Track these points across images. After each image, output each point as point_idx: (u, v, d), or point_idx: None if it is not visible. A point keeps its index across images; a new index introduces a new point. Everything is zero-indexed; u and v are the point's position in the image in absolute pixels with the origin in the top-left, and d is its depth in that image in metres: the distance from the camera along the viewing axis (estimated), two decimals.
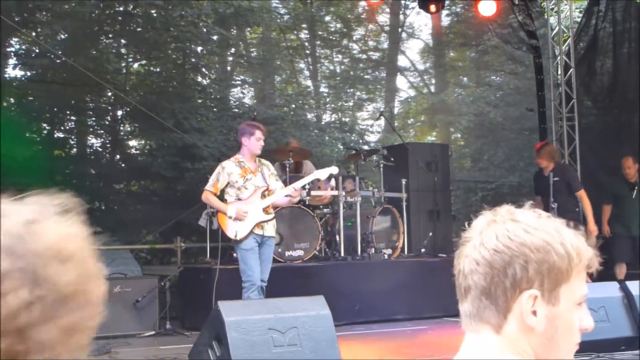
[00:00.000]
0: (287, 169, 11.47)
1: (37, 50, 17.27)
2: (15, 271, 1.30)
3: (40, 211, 1.40)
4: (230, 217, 9.34)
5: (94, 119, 18.95)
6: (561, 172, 12.20)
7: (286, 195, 9.63)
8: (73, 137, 18.99)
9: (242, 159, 9.60)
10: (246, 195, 9.44)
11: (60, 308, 1.32)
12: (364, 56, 25.73)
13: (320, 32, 24.61)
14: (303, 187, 10.39)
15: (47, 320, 1.31)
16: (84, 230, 1.44)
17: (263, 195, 9.52)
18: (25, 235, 1.34)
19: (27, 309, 1.29)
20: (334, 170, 10.11)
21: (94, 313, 1.39)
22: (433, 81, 27.43)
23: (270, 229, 9.57)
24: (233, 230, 9.31)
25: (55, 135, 18.40)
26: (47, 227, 1.38)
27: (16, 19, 16.20)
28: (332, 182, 12.10)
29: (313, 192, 11.80)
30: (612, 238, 13.02)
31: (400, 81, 26.79)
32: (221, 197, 9.66)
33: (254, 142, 9.50)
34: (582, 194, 12.20)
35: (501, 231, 1.82)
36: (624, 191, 12.98)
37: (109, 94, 17.89)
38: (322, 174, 9.98)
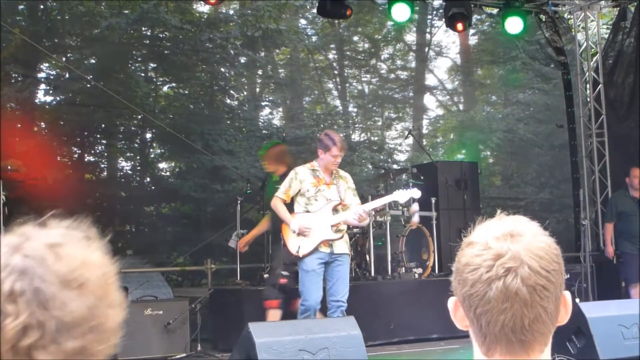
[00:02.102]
0: None
1: (67, 75, 17.42)
2: (28, 292, 1.32)
3: (65, 236, 1.42)
4: (293, 231, 8.74)
5: (123, 142, 19.06)
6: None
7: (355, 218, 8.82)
8: (103, 160, 19.11)
9: (318, 168, 8.96)
10: (315, 208, 8.81)
11: (64, 333, 1.33)
12: (392, 75, 25.71)
13: (348, 52, 24.63)
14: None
15: (50, 344, 1.32)
16: (106, 257, 1.46)
17: (335, 211, 8.87)
18: (47, 258, 1.36)
19: (26, 332, 1.30)
20: (416, 193, 9.38)
21: (104, 338, 1.40)
22: (462, 99, 27.36)
23: (341, 246, 8.87)
24: (296, 245, 8.73)
25: (86, 159, 18.51)
26: (70, 252, 1.39)
27: (46, 44, 16.38)
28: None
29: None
30: (621, 257, 12.69)
31: (429, 100, 26.75)
32: (290, 205, 9.03)
33: (329, 158, 8.81)
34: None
35: (541, 245, 1.80)
36: (631, 208, 12.52)
37: (139, 117, 17.99)
38: (402, 196, 9.20)
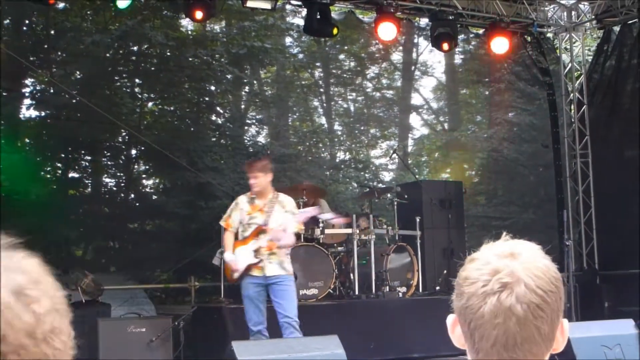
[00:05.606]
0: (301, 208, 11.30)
1: (52, 90, 17.35)
2: None
3: None
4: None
5: (108, 158, 18.98)
6: None
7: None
8: (87, 176, 19.02)
9: (254, 195, 9.08)
10: (247, 234, 8.94)
11: None
12: (378, 94, 25.75)
13: (334, 71, 24.65)
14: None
15: None
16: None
17: (258, 235, 8.92)
18: None
19: None
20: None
21: None
22: (447, 118, 27.43)
23: (273, 269, 8.84)
24: (231, 272, 9.05)
25: (70, 175, 18.43)
26: None
27: (31, 59, 16.33)
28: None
29: (327, 231, 11.80)
30: None
31: (414, 119, 26.80)
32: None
33: (250, 182, 9.10)
34: None
35: (539, 265, 1.81)
36: None
37: (124, 133, 17.94)
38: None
